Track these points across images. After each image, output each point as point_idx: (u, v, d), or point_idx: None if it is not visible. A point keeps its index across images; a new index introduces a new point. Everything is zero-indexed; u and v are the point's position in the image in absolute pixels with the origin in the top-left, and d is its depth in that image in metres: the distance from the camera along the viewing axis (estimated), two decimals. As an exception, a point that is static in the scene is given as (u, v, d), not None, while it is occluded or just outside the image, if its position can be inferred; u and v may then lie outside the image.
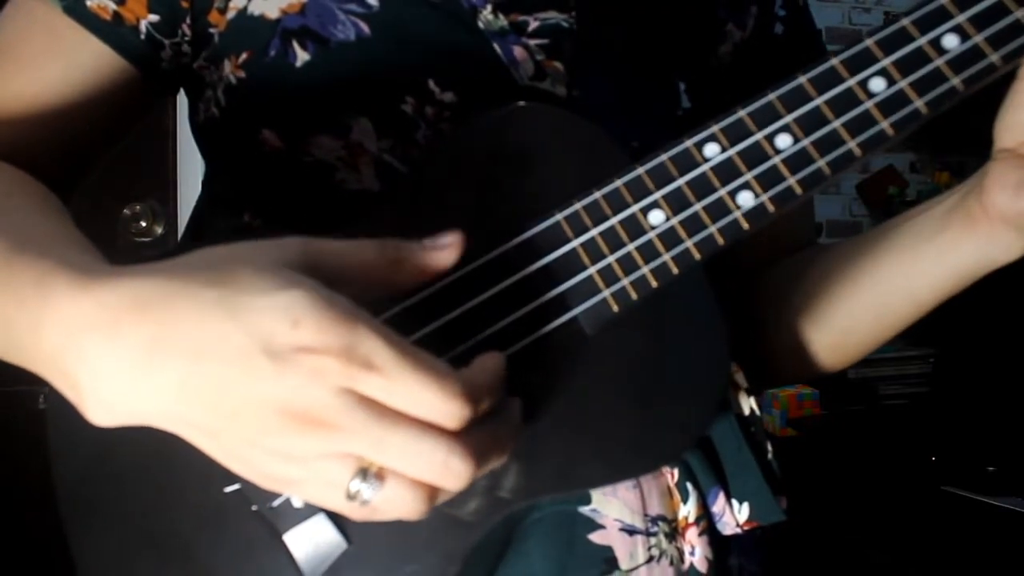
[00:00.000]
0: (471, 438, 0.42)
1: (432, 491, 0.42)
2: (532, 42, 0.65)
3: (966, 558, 2.30)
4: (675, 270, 0.55)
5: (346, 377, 0.40)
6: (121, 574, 0.58)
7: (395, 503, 0.42)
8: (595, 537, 0.62)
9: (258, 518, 0.56)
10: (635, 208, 0.55)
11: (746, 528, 0.64)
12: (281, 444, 0.41)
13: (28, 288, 0.46)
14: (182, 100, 0.75)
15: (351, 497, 0.42)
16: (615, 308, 0.55)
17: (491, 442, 0.43)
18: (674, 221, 0.55)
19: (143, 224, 2.33)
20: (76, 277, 0.45)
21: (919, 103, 0.53)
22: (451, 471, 0.41)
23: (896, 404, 2.69)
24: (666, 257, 0.55)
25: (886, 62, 0.54)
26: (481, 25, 0.65)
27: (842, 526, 2.38)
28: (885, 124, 0.54)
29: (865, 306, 0.67)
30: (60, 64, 0.66)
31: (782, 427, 2.47)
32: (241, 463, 0.43)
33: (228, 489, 0.56)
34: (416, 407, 0.41)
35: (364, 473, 0.41)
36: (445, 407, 0.41)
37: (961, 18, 0.54)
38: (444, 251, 0.48)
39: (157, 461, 0.57)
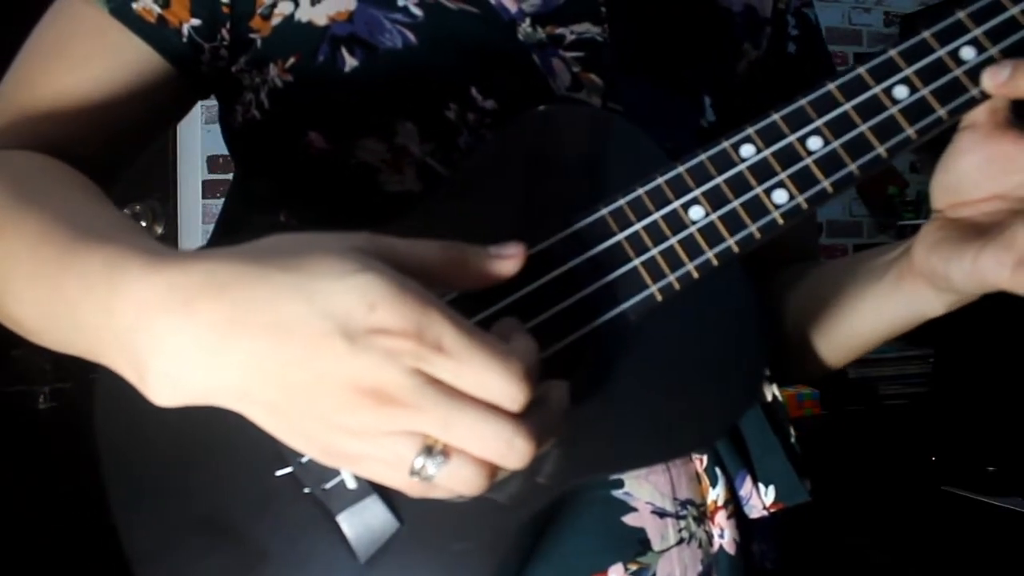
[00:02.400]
0: (532, 418, 0.44)
1: (493, 468, 0.44)
2: (569, 54, 0.68)
3: (966, 558, 2.31)
4: (715, 263, 0.57)
5: (417, 358, 0.41)
6: (171, 557, 0.59)
7: (457, 480, 0.43)
8: (628, 519, 0.64)
9: (310, 500, 0.58)
10: (676, 204, 0.58)
11: (772, 510, 0.66)
12: (351, 420, 0.42)
13: (97, 270, 0.47)
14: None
15: (414, 473, 0.43)
16: (659, 298, 0.57)
17: (547, 423, 0.45)
18: (713, 217, 0.57)
19: (143, 224, 2.33)
20: (148, 259, 0.46)
21: (942, 111, 0.56)
22: (515, 450, 0.43)
23: (896, 404, 2.70)
24: (707, 251, 0.57)
25: (909, 71, 0.57)
26: (520, 37, 0.68)
27: (842, 526, 2.38)
28: (910, 130, 0.57)
29: (823, 338, 0.72)
30: (105, 64, 0.67)
31: (783, 427, 2.47)
32: (305, 439, 0.44)
33: (279, 472, 0.58)
34: (482, 390, 0.42)
35: (429, 450, 0.43)
36: (510, 391, 0.42)
37: (977, 32, 0.57)
38: (507, 260, 0.49)
39: (205, 447, 0.58)
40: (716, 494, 0.66)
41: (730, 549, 0.66)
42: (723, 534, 0.66)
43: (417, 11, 0.67)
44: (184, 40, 0.68)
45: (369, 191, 0.66)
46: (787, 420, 0.67)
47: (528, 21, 0.68)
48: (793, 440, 0.66)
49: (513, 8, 0.68)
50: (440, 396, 0.42)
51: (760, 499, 0.66)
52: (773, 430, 0.66)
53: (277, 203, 0.70)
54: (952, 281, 0.58)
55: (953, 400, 2.57)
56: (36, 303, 0.52)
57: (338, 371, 0.41)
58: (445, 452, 0.43)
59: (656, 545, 0.64)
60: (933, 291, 0.61)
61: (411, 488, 0.44)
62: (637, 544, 0.63)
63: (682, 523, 0.65)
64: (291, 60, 0.67)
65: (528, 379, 0.43)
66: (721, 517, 0.66)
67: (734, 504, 0.66)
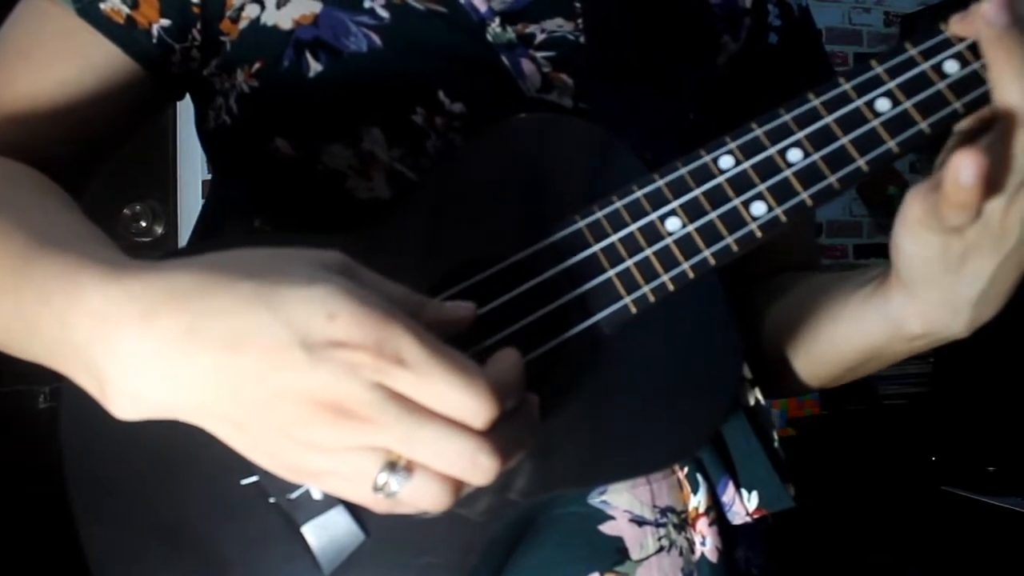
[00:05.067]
0: (497, 434, 0.43)
1: (458, 485, 0.43)
2: (539, 54, 0.67)
3: (966, 558, 2.31)
4: (691, 275, 0.56)
5: (378, 371, 0.40)
6: (134, 566, 0.59)
7: (421, 496, 0.43)
8: (606, 528, 0.63)
9: (275, 510, 0.57)
10: (653, 216, 0.57)
11: (755, 516, 0.65)
12: (312, 435, 0.41)
13: (53, 283, 0.47)
14: (182, 101, 0.76)
15: (378, 489, 0.42)
16: (633, 310, 0.57)
17: (515, 438, 0.44)
18: (690, 228, 0.57)
19: (143, 224, 2.33)
20: (106, 270, 0.45)
21: (923, 124, 0.56)
22: (479, 467, 0.42)
23: (896, 404, 2.69)
24: (683, 263, 0.56)
25: (891, 84, 0.56)
26: (490, 38, 0.67)
27: (842, 526, 2.38)
28: (892, 143, 0.56)
29: (803, 348, 0.69)
30: (73, 66, 0.66)
31: (782, 427, 2.47)
32: (267, 455, 0.44)
33: (245, 481, 0.57)
34: (445, 405, 0.41)
35: (392, 466, 0.42)
36: (473, 406, 0.41)
37: (961, 46, 0.56)
38: (459, 320, 0.48)
39: (171, 455, 0.57)
40: (697, 501, 0.65)
41: (712, 557, 0.65)
42: (705, 541, 0.65)
43: (384, 13, 0.66)
44: (154, 41, 0.67)
45: (339, 198, 0.65)
46: (770, 425, 0.66)
47: (498, 21, 0.67)
48: (776, 445, 0.65)
49: (483, 7, 0.67)
50: (401, 411, 0.41)
51: (743, 505, 0.65)
52: (756, 435, 0.65)
53: (251, 209, 0.69)
54: (896, 244, 0.55)
55: (953, 400, 2.56)
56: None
57: (297, 384, 0.41)
58: (408, 468, 0.42)
59: (635, 554, 0.63)
60: (903, 293, 0.58)
61: (375, 504, 0.43)
62: (615, 553, 0.62)
63: (662, 531, 0.64)
64: (257, 65, 0.66)
65: (494, 395, 0.42)
66: (703, 524, 0.65)
67: (716, 511, 0.65)
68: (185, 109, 0.77)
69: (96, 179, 0.74)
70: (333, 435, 0.41)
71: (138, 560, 0.58)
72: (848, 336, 0.64)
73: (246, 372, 0.41)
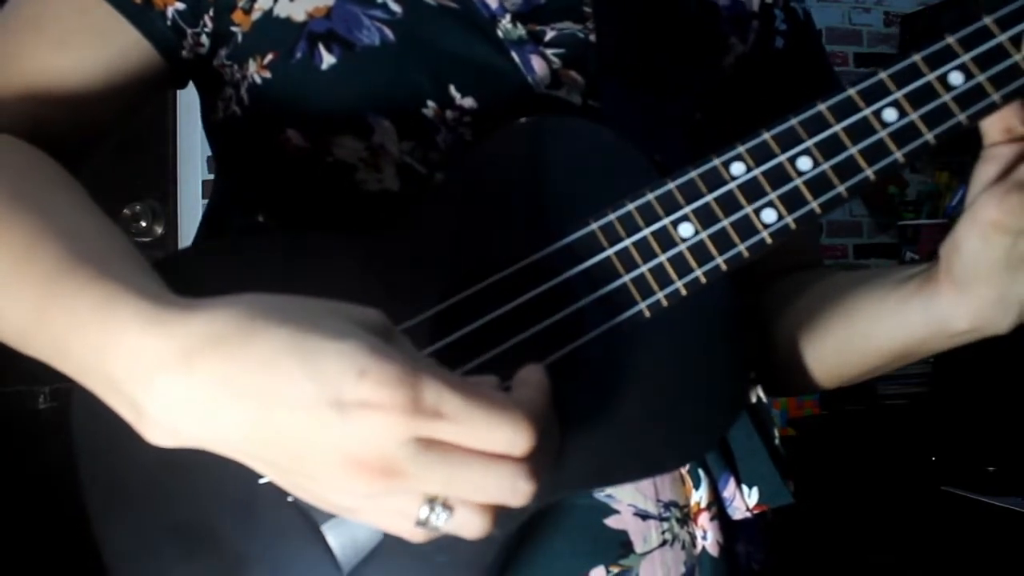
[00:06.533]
0: (533, 456, 0.43)
1: (499, 510, 0.44)
2: (549, 51, 0.68)
3: (966, 558, 2.30)
4: (704, 281, 0.57)
5: (414, 428, 0.41)
6: (151, 566, 0.59)
7: (463, 527, 0.43)
8: (611, 522, 0.64)
9: (294, 509, 0.57)
10: (666, 221, 0.58)
11: (755, 512, 0.66)
12: (349, 486, 0.42)
13: (87, 307, 0.46)
14: (182, 100, 0.76)
15: (420, 524, 0.43)
16: (647, 315, 0.58)
17: (546, 453, 0.45)
18: (703, 235, 0.58)
19: (143, 224, 2.33)
20: (145, 307, 0.45)
21: (928, 135, 0.57)
22: (519, 492, 0.42)
23: (896, 404, 2.69)
24: (696, 269, 0.57)
25: (898, 95, 0.57)
26: (500, 34, 0.67)
27: (842, 526, 2.38)
28: (898, 154, 0.57)
29: (833, 344, 0.70)
30: (89, 45, 0.66)
31: (782, 427, 2.47)
32: (306, 494, 0.45)
33: (263, 480, 0.56)
34: (489, 445, 0.42)
35: (432, 503, 0.43)
36: (513, 439, 0.42)
37: (966, 57, 0.57)
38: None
39: (188, 452, 0.57)
40: (699, 496, 0.66)
41: (713, 551, 0.66)
42: (706, 535, 0.66)
43: (396, 7, 0.66)
44: (168, 23, 0.67)
45: (347, 190, 0.65)
46: (771, 422, 0.67)
47: (508, 18, 0.68)
48: (777, 442, 0.66)
49: (494, 4, 0.68)
50: (436, 460, 0.41)
51: (743, 501, 0.66)
52: (757, 432, 0.65)
53: (256, 203, 0.69)
54: (959, 243, 0.56)
55: (953, 400, 2.57)
56: (16, 321, 0.51)
57: (331, 444, 0.41)
58: (447, 504, 0.43)
59: (638, 547, 0.64)
60: (954, 291, 0.58)
61: (417, 537, 0.44)
62: (619, 546, 0.63)
63: (665, 525, 0.65)
64: (269, 56, 0.66)
65: (532, 423, 0.42)
66: (704, 519, 0.66)
67: (717, 506, 0.67)
68: (186, 109, 0.77)
69: (96, 179, 0.73)
70: (372, 488, 0.42)
71: (155, 559, 0.58)
72: (888, 334, 0.64)
73: (280, 428, 0.42)
